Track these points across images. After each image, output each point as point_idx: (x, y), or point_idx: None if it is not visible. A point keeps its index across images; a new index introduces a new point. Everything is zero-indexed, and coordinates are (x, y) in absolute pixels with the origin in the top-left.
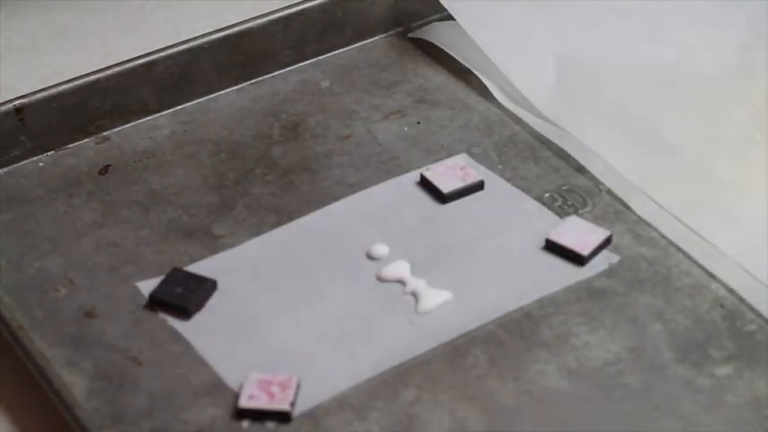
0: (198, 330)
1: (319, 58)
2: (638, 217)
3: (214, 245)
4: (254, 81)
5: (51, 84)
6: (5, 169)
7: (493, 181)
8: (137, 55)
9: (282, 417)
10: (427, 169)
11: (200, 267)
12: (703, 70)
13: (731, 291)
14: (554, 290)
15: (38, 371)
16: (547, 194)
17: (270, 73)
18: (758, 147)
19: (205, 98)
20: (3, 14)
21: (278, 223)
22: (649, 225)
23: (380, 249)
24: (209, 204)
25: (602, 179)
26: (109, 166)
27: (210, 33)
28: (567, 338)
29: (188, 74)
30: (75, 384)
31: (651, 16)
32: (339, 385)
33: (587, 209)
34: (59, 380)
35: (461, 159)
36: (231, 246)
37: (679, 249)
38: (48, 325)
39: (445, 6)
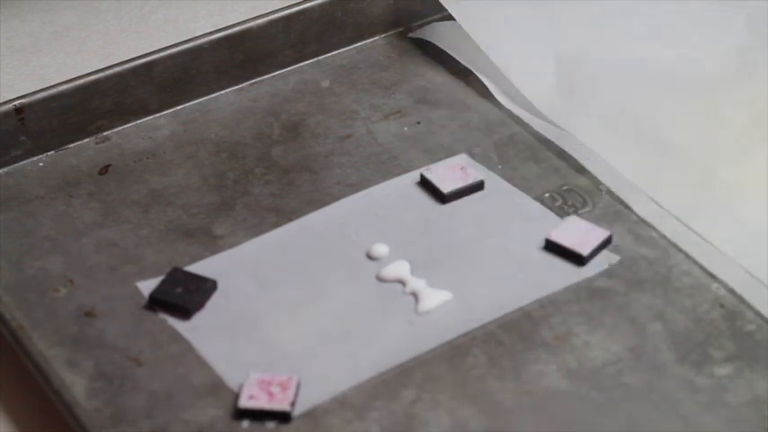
0: (198, 330)
1: (319, 58)
2: (638, 217)
3: (214, 245)
4: (254, 81)
5: (51, 84)
6: (5, 169)
7: (493, 181)
8: (137, 55)
9: (282, 417)
10: (427, 169)
11: (200, 267)
12: (703, 70)
13: (731, 291)
14: (554, 290)
15: (38, 371)
16: (547, 194)
17: (270, 73)
18: (758, 147)
19: (205, 98)
20: (3, 14)
21: (278, 223)
22: (649, 225)
23: (380, 249)
24: (209, 204)
25: (602, 179)
26: (109, 166)
27: (210, 33)
28: (567, 338)
29: (188, 74)
30: (75, 384)
31: (651, 16)
32: (339, 385)
33: (587, 209)
34: (59, 380)
35: (461, 159)
36: (231, 246)
37: (679, 249)
38: (48, 325)
39: (445, 6)
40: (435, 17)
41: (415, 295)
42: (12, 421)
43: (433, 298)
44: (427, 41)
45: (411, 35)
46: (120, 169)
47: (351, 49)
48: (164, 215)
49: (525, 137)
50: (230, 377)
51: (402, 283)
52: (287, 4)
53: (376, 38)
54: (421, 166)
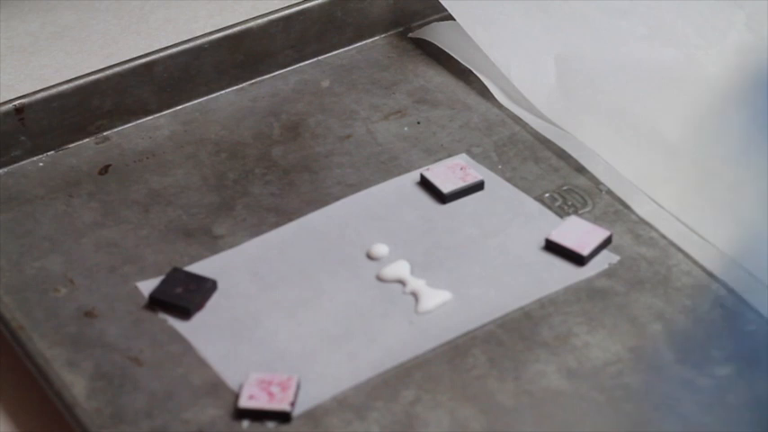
0: (198, 330)
1: (319, 58)
2: (638, 217)
3: (214, 245)
4: (254, 81)
5: (51, 84)
6: (5, 169)
7: (493, 181)
8: (137, 55)
9: (282, 417)
10: (427, 169)
11: (200, 267)
12: (703, 70)
13: (731, 291)
14: (554, 290)
15: (38, 371)
16: (547, 194)
17: (270, 73)
18: (758, 147)
19: (205, 98)
20: (3, 14)
21: (278, 223)
22: (649, 225)
23: (380, 249)
24: (209, 204)
25: (602, 179)
26: (109, 166)
27: (210, 33)
28: (567, 338)
29: (188, 74)
30: (75, 384)
31: (651, 16)
32: (339, 385)
33: (587, 209)
34: (59, 380)
35: (461, 159)
36: (231, 246)
37: (679, 249)
38: (48, 325)
39: (445, 6)
40: (435, 17)
41: (415, 295)
42: (12, 421)
43: (433, 298)
44: (427, 41)
45: (411, 35)
46: (120, 169)
47: (351, 49)
48: (164, 215)
49: (525, 137)
50: (230, 377)
51: (402, 283)
52: (287, 4)
53: (376, 38)
54: (421, 166)
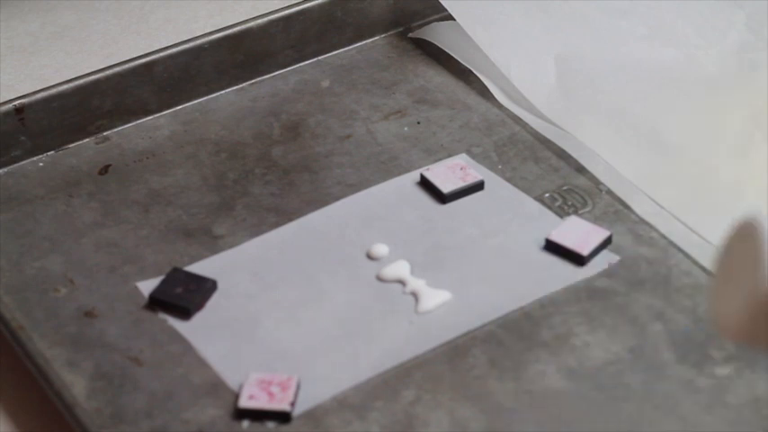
0: (198, 330)
1: (319, 58)
2: (638, 217)
3: (214, 245)
4: (254, 81)
5: (51, 84)
6: (5, 169)
7: (493, 181)
8: (137, 55)
9: (282, 417)
10: (427, 169)
11: (200, 267)
12: (703, 70)
13: None
14: (554, 290)
15: (38, 371)
16: (547, 194)
17: (270, 73)
18: (758, 147)
19: (205, 98)
20: (3, 14)
21: (278, 223)
22: (649, 225)
23: (380, 249)
24: (209, 204)
25: (602, 179)
26: (109, 166)
27: (210, 33)
28: (567, 338)
29: (188, 74)
30: (75, 384)
31: (651, 16)
32: (339, 385)
33: (587, 209)
34: (59, 380)
35: (461, 159)
36: (231, 246)
37: (679, 249)
38: (48, 325)
39: (445, 6)
40: (435, 17)
41: (414, 295)
42: (12, 421)
43: (433, 298)
44: (427, 41)
45: (411, 35)
46: (120, 169)
47: (351, 49)
48: (164, 215)
49: (525, 137)
50: (230, 377)
51: (402, 283)
52: (287, 4)
53: (376, 38)
54: (421, 166)
